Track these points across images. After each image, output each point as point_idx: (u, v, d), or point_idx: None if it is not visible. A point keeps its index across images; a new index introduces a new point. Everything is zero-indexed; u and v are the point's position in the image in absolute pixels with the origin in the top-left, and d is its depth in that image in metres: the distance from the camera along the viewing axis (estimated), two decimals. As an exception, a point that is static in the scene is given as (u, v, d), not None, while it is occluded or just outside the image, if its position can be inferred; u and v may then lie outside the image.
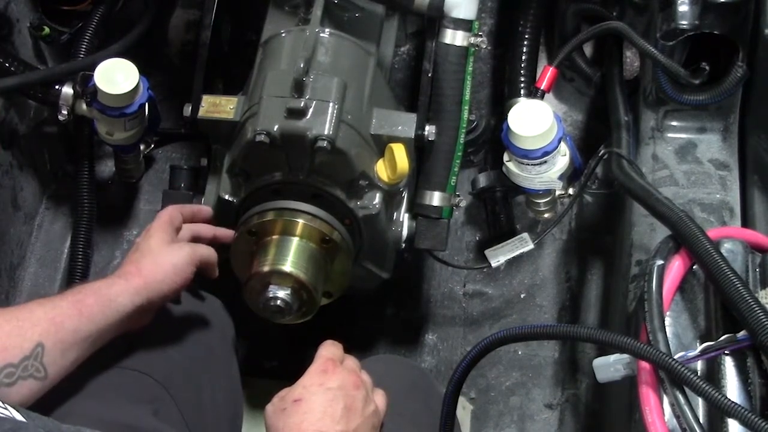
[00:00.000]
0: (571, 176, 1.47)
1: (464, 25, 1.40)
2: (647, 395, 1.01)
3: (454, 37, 1.40)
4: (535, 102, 1.41)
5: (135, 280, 1.16)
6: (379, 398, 1.13)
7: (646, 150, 1.44)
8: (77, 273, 1.64)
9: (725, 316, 1.05)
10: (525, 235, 1.53)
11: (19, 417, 0.80)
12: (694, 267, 1.12)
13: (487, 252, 1.54)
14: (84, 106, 1.52)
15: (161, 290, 1.18)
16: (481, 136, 1.77)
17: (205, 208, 1.37)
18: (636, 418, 1.06)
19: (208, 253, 1.26)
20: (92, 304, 1.11)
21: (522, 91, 1.63)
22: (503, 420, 1.64)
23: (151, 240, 1.22)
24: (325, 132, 1.28)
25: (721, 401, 0.95)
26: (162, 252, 1.21)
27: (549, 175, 1.41)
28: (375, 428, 1.10)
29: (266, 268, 1.30)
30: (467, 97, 1.42)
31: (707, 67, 1.38)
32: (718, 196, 1.38)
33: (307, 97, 1.29)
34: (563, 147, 1.40)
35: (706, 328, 1.10)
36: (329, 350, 1.13)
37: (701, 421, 0.99)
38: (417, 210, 1.44)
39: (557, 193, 1.48)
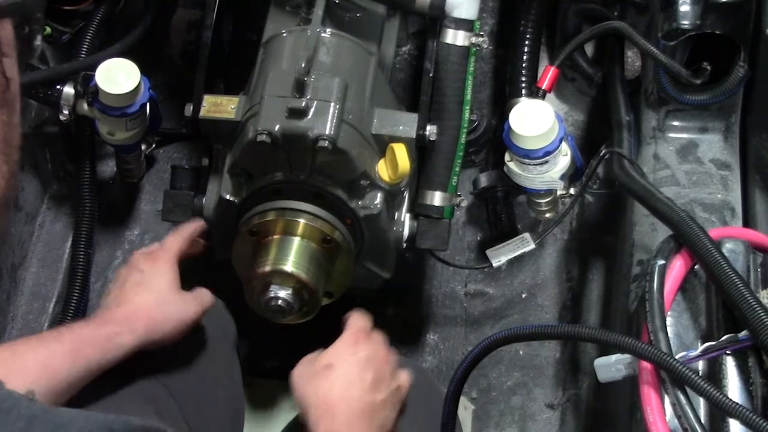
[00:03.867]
0: (572, 176, 1.47)
1: (466, 24, 1.40)
2: (648, 395, 1.01)
3: (456, 37, 1.40)
4: (536, 102, 1.41)
5: (139, 327, 1.13)
6: (404, 378, 1.14)
7: (648, 150, 1.44)
8: (78, 273, 1.64)
9: (726, 316, 1.05)
10: (526, 234, 1.53)
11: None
12: (695, 267, 1.12)
13: (488, 252, 1.54)
14: (85, 106, 1.52)
15: (159, 341, 1.16)
16: (483, 135, 1.77)
17: (199, 225, 1.35)
18: (637, 418, 1.06)
19: (211, 302, 1.24)
20: (90, 353, 1.08)
21: (523, 91, 1.63)
22: (504, 420, 1.64)
23: (161, 280, 1.19)
24: (327, 132, 1.28)
25: (722, 401, 0.95)
26: (172, 301, 1.18)
27: (550, 174, 1.41)
28: (397, 405, 1.11)
29: (267, 268, 1.30)
30: (468, 96, 1.42)
31: (708, 67, 1.38)
32: (719, 196, 1.38)
33: (308, 96, 1.29)
34: (564, 147, 1.40)
35: (707, 328, 1.10)
36: (359, 321, 1.15)
37: (702, 421, 0.99)
38: (418, 210, 1.44)
39: (558, 193, 1.48)
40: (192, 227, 1.33)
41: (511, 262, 1.59)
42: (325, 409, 1.05)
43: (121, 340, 1.11)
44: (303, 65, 1.29)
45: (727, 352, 1.02)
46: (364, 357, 1.10)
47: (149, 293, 1.18)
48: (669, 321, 1.08)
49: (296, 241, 1.33)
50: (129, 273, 1.21)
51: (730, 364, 1.02)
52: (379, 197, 1.37)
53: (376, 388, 1.08)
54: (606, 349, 1.10)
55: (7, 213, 0.62)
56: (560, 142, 1.38)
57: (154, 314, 1.16)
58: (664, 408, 1.01)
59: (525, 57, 1.65)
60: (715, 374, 1.03)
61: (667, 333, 1.05)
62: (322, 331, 1.24)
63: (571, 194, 1.48)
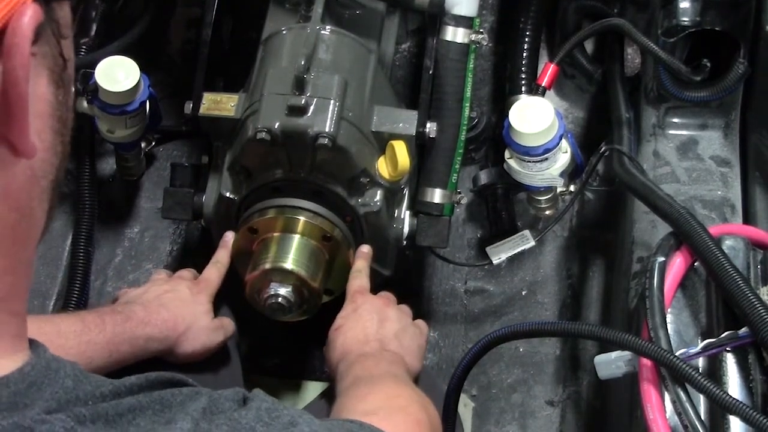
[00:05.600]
0: (572, 173, 1.46)
1: (465, 22, 1.40)
2: (649, 392, 1.01)
3: (455, 34, 1.40)
4: (536, 99, 1.41)
5: (172, 339, 1.20)
6: (420, 322, 1.28)
7: (648, 147, 1.44)
8: (78, 271, 1.64)
9: (726, 313, 1.05)
10: (526, 232, 1.53)
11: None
12: (695, 264, 1.12)
13: (488, 249, 1.54)
14: (85, 104, 1.52)
15: (181, 359, 1.22)
16: (483, 133, 1.76)
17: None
18: (637, 415, 1.06)
19: (233, 331, 1.30)
20: (125, 351, 1.13)
21: (523, 88, 1.62)
22: (504, 417, 1.64)
23: (200, 308, 1.25)
24: (326, 129, 1.28)
25: (722, 398, 0.95)
26: (205, 330, 1.24)
27: (550, 172, 1.41)
28: (417, 337, 1.23)
29: (267, 266, 1.30)
30: (468, 94, 1.42)
31: (708, 64, 1.38)
32: (719, 192, 1.38)
33: (308, 94, 1.29)
34: (564, 144, 1.40)
35: (707, 325, 1.10)
36: (355, 283, 1.28)
37: (703, 418, 0.99)
38: (418, 207, 1.44)
39: (558, 190, 1.48)
40: (226, 259, 1.35)
41: (511, 259, 1.59)
42: (342, 356, 1.15)
43: (153, 347, 1.18)
44: (302, 62, 1.29)
45: (727, 349, 1.02)
46: (364, 308, 1.22)
47: (189, 312, 1.23)
48: (669, 318, 1.08)
49: (296, 239, 1.33)
50: (172, 286, 1.27)
51: (730, 361, 1.02)
52: (379, 194, 1.37)
53: (383, 325, 1.19)
54: (606, 346, 1.10)
55: (57, 194, 0.65)
56: (560, 139, 1.37)
57: (187, 334, 1.22)
58: (664, 405, 1.01)
59: (525, 54, 1.65)
60: (715, 371, 1.03)
61: (667, 330, 1.05)
62: (323, 329, 1.24)
63: (571, 191, 1.48)
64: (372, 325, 1.19)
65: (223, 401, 0.67)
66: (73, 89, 0.64)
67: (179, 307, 1.23)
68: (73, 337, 1.08)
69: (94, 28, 1.65)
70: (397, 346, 1.18)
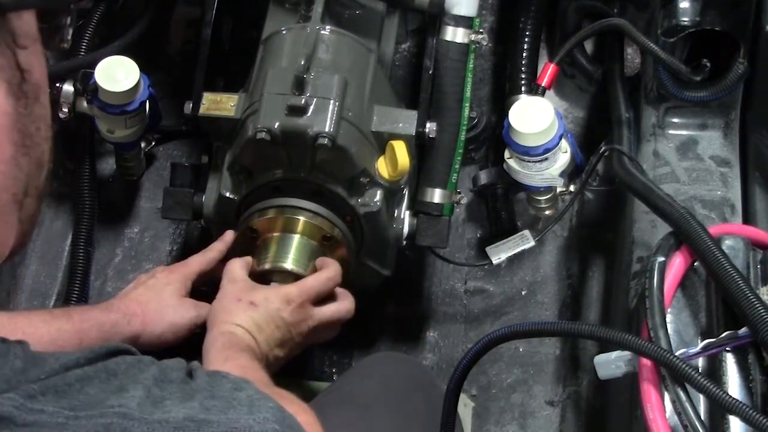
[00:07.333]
0: (572, 173, 1.47)
1: (465, 22, 1.40)
2: (648, 392, 1.01)
3: (455, 34, 1.40)
4: (536, 99, 1.41)
5: (136, 324, 1.22)
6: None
7: (647, 147, 1.44)
8: (78, 271, 1.63)
9: (726, 313, 1.05)
10: (526, 232, 1.53)
11: None
12: (695, 264, 1.12)
13: (488, 249, 1.54)
14: (85, 104, 1.52)
15: (153, 341, 1.23)
16: (482, 133, 1.76)
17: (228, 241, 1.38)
18: (637, 415, 1.06)
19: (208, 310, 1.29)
20: (94, 338, 1.16)
21: (523, 88, 1.62)
22: (504, 417, 1.63)
23: (167, 288, 1.27)
24: (326, 129, 1.28)
25: (722, 398, 0.95)
26: (170, 307, 1.25)
27: (550, 172, 1.41)
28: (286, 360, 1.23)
29: (267, 266, 1.30)
30: (468, 94, 1.42)
31: (708, 64, 1.38)
32: (719, 192, 1.38)
33: (307, 94, 1.29)
34: (564, 144, 1.40)
35: (707, 325, 1.10)
36: (315, 287, 1.25)
37: (702, 418, 0.99)
38: (418, 207, 1.44)
39: (558, 190, 1.48)
40: (217, 252, 1.35)
41: (510, 259, 1.59)
42: (228, 335, 1.14)
43: (122, 330, 1.20)
44: (302, 62, 1.29)
45: (727, 349, 1.02)
46: (287, 319, 1.19)
47: (151, 294, 1.26)
48: (669, 318, 1.08)
49: (296, 239, 1.33)
50: (147, 278, 1.30)
51: (729, 361, 1.02)
52: (378, 194, 1.37)
53: (279, 347, 1.19)
54: (606, 346, 1.10)
55: (35, 204, 0.65)
56: (560, 139, 1.38)
57: (150, 314, 1.24)
58: (664, 405, 1.01)
59: (525, 54, 1.65)
60: (714, 371, 1.03)
61: (666, 330, 1.04)
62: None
63: (571, 191, 1.48)
64: (273, 339, 1.19)
65: (170, 371, 0.70)
66: (47, 99, 0.63)
67: (143, 293, 1.26)
68: (44, 326, 1.11)
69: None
70: (272, 366, 1.19)
